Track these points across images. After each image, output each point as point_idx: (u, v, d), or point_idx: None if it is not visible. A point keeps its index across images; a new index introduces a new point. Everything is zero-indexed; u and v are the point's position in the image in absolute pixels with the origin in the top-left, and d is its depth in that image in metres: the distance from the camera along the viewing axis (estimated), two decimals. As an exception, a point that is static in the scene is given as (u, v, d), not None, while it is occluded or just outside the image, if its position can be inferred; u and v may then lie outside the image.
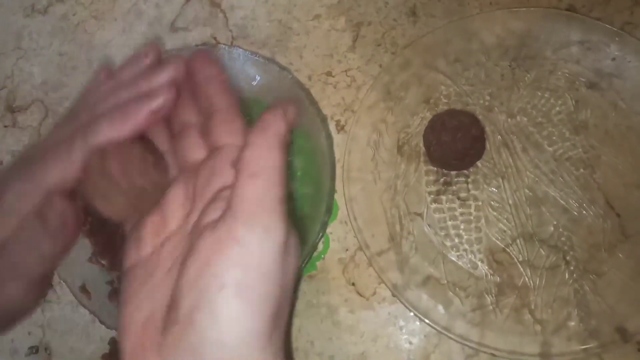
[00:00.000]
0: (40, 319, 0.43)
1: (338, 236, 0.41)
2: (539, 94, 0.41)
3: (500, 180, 0.39)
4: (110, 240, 0.40)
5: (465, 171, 0.40)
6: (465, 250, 0.38)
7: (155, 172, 0.24)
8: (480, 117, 0.41)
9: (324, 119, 0.42)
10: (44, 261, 0.23)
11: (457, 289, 0.37)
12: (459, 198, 0.40)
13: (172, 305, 0.21)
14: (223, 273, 0.20)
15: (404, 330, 0.38)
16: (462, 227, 0.39)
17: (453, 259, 0.38)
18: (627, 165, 0.38)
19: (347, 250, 0.41)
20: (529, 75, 0.41)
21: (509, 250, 0.38)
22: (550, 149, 0.39)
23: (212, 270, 0.20)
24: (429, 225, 0.39)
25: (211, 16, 0.49)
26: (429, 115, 0.41)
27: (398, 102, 0.42)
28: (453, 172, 0.40)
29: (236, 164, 0.22)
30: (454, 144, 0.38)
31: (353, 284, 0.40)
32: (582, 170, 0.38)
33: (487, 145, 0.40)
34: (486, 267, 0.38)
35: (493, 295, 0.37)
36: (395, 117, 0.42)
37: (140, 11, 0.51)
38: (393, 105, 0.42)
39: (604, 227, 0.37)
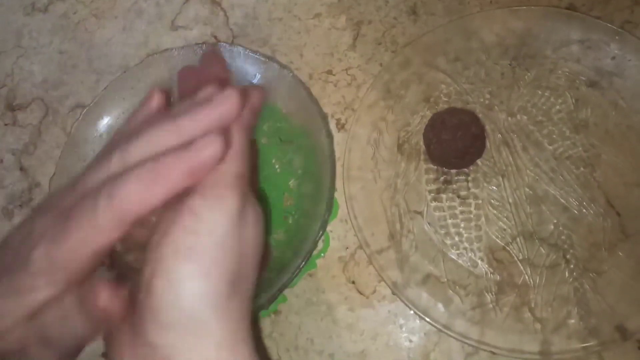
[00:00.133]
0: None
1: (338, 234, 0.41)
2: (539, 92, 0.41)
3: (501, 178, 0.39)
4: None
5: (465, 170, 0.40)
6: (465, 248, 0.38)
7: None
8: (480, 115, 0.41)
9: (324, 118, 0.42)
10: (77, 339, 0.22)
11: (457, 287, 0.37)
12: (459, 196, 0.40)
13: (139, 275, 0.22)
14: (177, 240, 0.21)
15: (403, 329, 0.38)
16: (462, 225, 0.39)
17: (453, 257, 0.38)
18: (627, 164, 0.38)
19: (347, 248, 0.41)
20: (529, 74, 0.41)
21: (509, 249, 0.38)
22: (551, 147, 0.39)
23: (169, 238, 0.21)
24: (429, 223, 0.39)
25: (212, 15, 0.49)
26: (429, 114, 0.41)
27: (398, 100, 0.42)
28: (453, 171, 0.40)
29: None
30: (454, 143, 0.39)
31: (353, 282, 0.40)
32: (582, 168, 0.39)
33: (487, 144, 0.40)
34: (486, 266, 0.38)
35: (493, 293, 0.37)
36: (395, 116, 0.42)
37: (141, 10, 0.51)
38: (393, 104, 0.42)
39: (604, 226, 0.37)
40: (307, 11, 0.47)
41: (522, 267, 0.37)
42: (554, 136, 0.40)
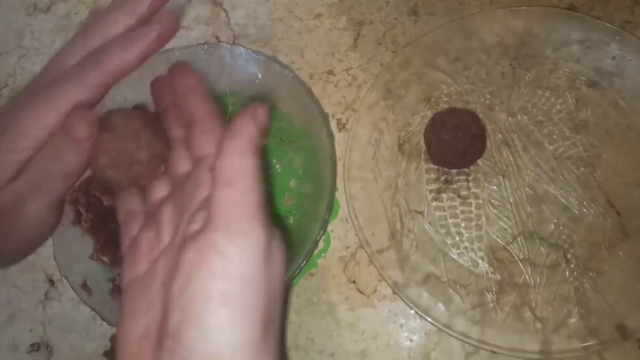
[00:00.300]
0: (41, 316, 0.43)
1: (339, 234, 0.41)
2: (540, 92, 0.41)
3: (501, 178, 0.39)
4: (112, 237, 0.40)
5: (465, 169, 0.40)
6: (465, 248, 0.38)
7: (156, 143, 0.25)
8: (480, 115, 0.41)
9: (325, 118, 0.42)
10: (67, 176, 0.22)
11: (457, 286, 0.37)
12: (459, 196, 0.40)
13: (163, 320, 0.21)
14: (206, 285, 0.20)
15: (404, 328, 0.38)
16: (462, 225, 0.39)
17: (454, 256, 0.38)
18: (628, 164, 0.38)
19: (347, 248, 0.41)
20: (529, 74, 0.41)
21: (509, 248, 0.38)
22: (551, 147, 0.39)
23: (196, 283, 0.20)
24: (429, 223, 0.39)
25: (213, 15, 0.49)
26: (429, 114, 0.41)
27: (399, 100, 0.42)
28: (454, 171, 0.40)
29: (212, 174, 0.22)
30: (455, 143, 0.39)
31: (354, 282, 0.40)
32: (582, 168, 0.39)
33: (488, 144, 0.40)
34: (487, 265, 0.38)
35: (493, 293, 0.37)
36: (396, 116, 0.42)
37: (142, 10, 0.51)
38: (394, 104, 0.42)
39: (604, 226, 0.37)
40: (308, 11, 0.47)
41: (522, 267, 0.37)
42: (554, 136, 0.40)
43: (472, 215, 0.39)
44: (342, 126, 0.44)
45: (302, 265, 0.37)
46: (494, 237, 0.38)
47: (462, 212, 0.39)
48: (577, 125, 0.40)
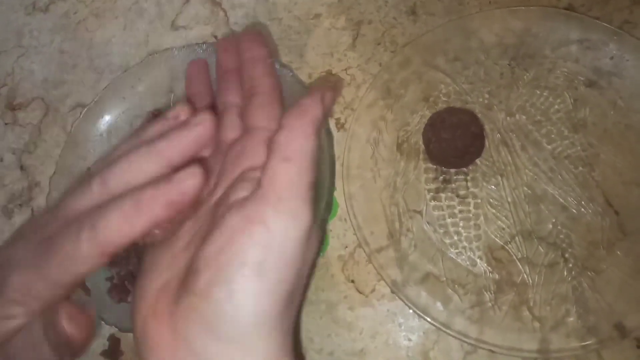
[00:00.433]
0: (39, 315, 0.43)
1: (337, 233, 0.41)
2: (538, 92, 0.41)
3: (499, 178, 0.40)
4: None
5: (464, 169, 0.40)
6: (464, 247, 0.38)
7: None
8: (479, 115, 0.41)
9: (323, 117, 0.42)
10: None
11: (456, 286, 0.37)
12: (458, 196, 0.40)
13: (189, 277, 0.21)
14: (245, 251, 0.20)
15: (403, 327, 0.38)
16: (461, 224, 0.39)
17: (452, 256, 0.38)
18: (626, 164, 0.38)
19: (346, 247, 0.41)
20: (528, 74, 0.41)
21: (507, 248, 0.38)
22: (549, 147, 0.40)
23: (235, 247, 0.20)
24: (428, 222, 0.39)
25: (212, 14, 0.49)
26: (428, 113, 0.41)
27: (397, 100, 0.42)
28: (452, 170, 0.40)
29: (270, 146, 0.22)
30: (454, 142, 0.39)
31: (352, 281, 0.40)
32: (580, 168, 0.39)
33: (487, 143, 0.40)
34: (485, 265, 0.38)
35: (492, 292, 0.37)
36: (394, 115, 0.42)
37: (141, 9, 0.51)
38: (392, 103, 0.42)
39: (603, 225, 0.37)
40: (307, 11, 0.47)
41: (520, 266, 0.37)
42: (553, 136, 0.40)
43: (471, 215, 0.39)
44: (340, 125, 0.44)
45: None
46: (492, 236, 0.38)
47: (461, 211, 0.39)
48: (575, 124, 0.40)
